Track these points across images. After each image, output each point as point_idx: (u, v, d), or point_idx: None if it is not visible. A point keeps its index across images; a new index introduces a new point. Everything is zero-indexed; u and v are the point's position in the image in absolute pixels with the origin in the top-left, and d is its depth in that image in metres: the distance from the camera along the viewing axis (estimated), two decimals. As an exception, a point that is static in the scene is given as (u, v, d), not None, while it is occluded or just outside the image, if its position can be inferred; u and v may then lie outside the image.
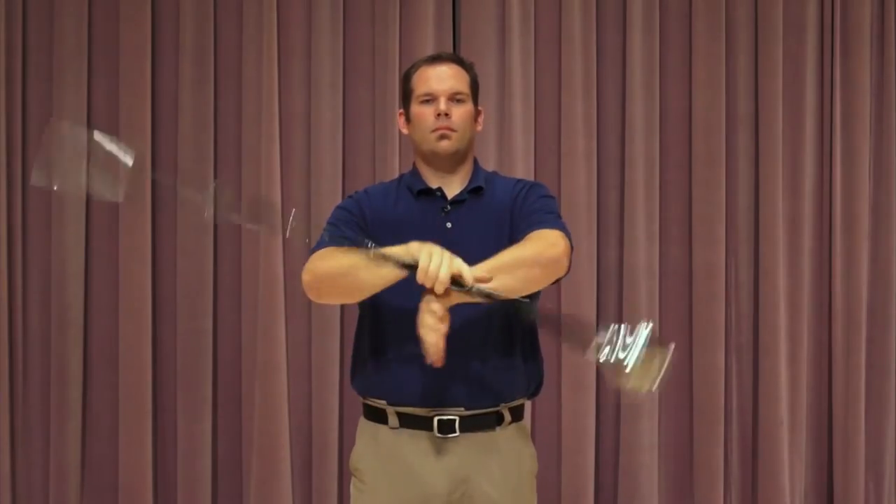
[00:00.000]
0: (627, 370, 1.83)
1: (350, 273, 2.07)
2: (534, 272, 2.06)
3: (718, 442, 3.86)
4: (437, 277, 1.90)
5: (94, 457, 3.84)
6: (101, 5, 3.81)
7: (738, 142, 3.90)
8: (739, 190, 3.91)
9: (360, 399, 2.29)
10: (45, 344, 3.81)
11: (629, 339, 1.84)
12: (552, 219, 2.20)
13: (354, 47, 3.84)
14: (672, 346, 1.84)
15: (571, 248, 2.18)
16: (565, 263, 2.14)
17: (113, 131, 3.75)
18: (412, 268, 1.93)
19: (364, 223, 2.24)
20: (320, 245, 2.19)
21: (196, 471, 3.80)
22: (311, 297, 2.20)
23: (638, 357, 1.83)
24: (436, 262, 1.91)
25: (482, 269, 1.97)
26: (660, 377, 1.83)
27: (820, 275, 3.96)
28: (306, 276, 2.16)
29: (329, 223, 2.27)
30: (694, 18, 3.88)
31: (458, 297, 1.96)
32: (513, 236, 2.19)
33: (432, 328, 1.94)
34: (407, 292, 2.07)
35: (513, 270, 2.02)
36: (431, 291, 1.93)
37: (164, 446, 3.85)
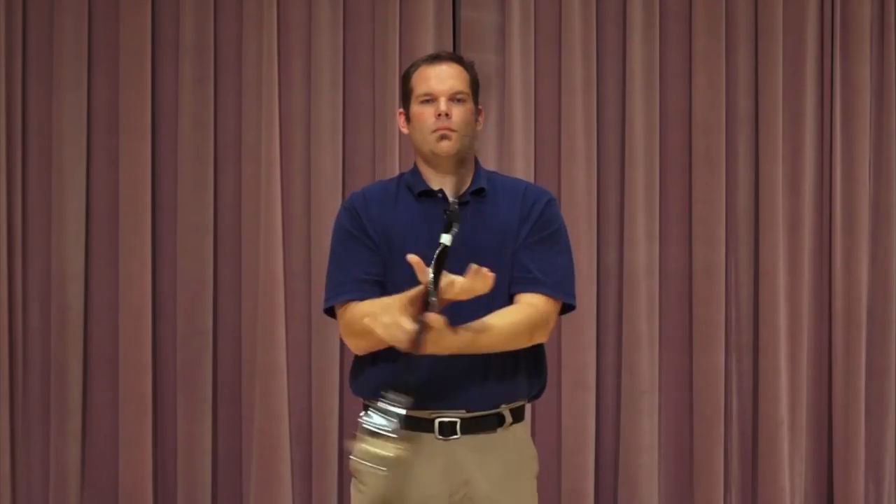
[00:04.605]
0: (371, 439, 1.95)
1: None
2: (519, 341, 2.15)
3: (718, 442, 3.86)
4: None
5: (94, 457, 3.83)
6: (101, 5, 3.81)
7: (738, 142, 3.90)
8: (739, 190, 3.91)
9: (362, 400, 2.28)
10: (45, 344, 3.81)
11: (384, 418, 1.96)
12: (557, 277, 2.20)
13: (354, 46, 3.83)
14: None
15: (573, 306, 2.26)
16: (547, 337, 2.23)
17: (113, 131, 3.79)
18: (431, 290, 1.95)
19: (367, 236, 2.22)
20: (333, 297, 2.21)
21: (196, 471, 3.80)
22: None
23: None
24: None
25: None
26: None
27: (820, 275, 3.96)
28: (351, 344, 2.21)
29: (333, 256, 2.26)
30: (694, 18, 3.88)
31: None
32: (516, 251, 2.19)
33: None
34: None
35: (501, 340, 2.11)
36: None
37: (164, 446, 3.85)
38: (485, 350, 2.11)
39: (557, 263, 2.23)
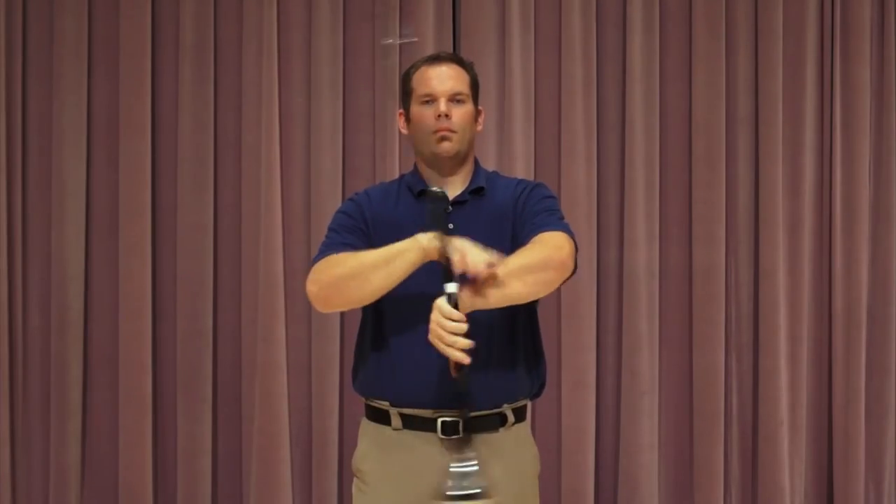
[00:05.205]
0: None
1: (358, 275, 2.09)
2: (542, 276, 2.09)
3: (718, 442, 3.86)
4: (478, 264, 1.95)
5: (94, 457, 3.84)
6: (101, 5, 3.81)
7: (738, 142, 3.90)
8: (739, 190, 3.91)
9: (363, 400, 2.29)
10: (45, 344, 3.81)
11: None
12: (555, 220, 2.21)
13: (354, 46, 3.84)
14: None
15: (576, 247, 2.20)
16: (571, 265, 2.15)
17: (113, 131, 3.79)
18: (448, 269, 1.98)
19: (366, 226, 2.24)
20: (321, 254, 2.19)
21: (196, 471, 3.80)
22: (318, 307, 2.20)
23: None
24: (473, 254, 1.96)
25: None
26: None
27: (820, 275, 3.96)
28: (311, 287, 2.16)
29: (330, 229, 2.27)
30: (694, 19, 3.88)
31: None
32: (515, 237, 2.19)
33: (451, 335, 1.97)
34: (409, 293, 2.08)
35: (523, 276, 2.04)
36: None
37: (164, 446, 3.85)
38: (521, 273, 2.05)
39: (559, 219, 2.23)
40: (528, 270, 2.06)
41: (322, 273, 2.16)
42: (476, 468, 2.04)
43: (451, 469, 2.04)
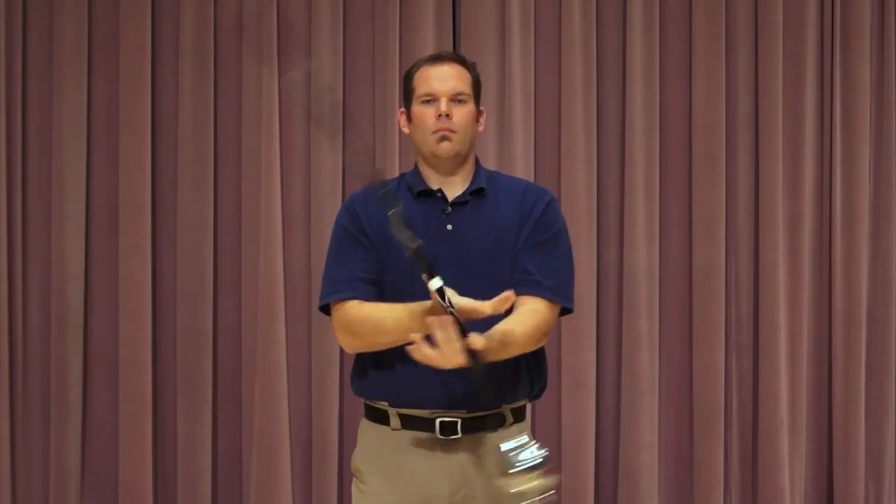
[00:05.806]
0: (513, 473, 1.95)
1: (387, 336, 2.12)
2: (523, 351, 2.16)
3: (718, 442, 3.86)
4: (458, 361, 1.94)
5: (94, 457, 3.84)
6: (101, 5, 3.81)
7: (738, 142, 3.90)
8: (739, 190, 3.91)
9: (363, 400, 2.29)
10: (45, 344, 3.81)
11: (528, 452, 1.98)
12: (557, 280, 2.21)
13: (354, 47, 3.84)
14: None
15: (571, 310, 2.25)
16: (547, 341, 2.22)
17: (113, 131, 3.79)
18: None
19: (364, 236, 2.22)
20: (330, 292, 2.20)
21: (196, 471, 3.80)
22: (350, 353, 2.28)
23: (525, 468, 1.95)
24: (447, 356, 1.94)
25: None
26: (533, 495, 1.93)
27: (820, 275, 3.96)
28: (344, 342, 2.23)
29: (331, 253, 2.26)
30: (694, 19, 3.88)
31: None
32: (515, 254, 2.19)
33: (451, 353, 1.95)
34: (409, 293, 2.07)
35: (516, 350, 2.11)
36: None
37: (164, 446, 3.85)
38: (504, 357, 2.09)
39: (558, 268, 2.23)
40: (524, 345, 2.12)
41: (346, 332, 2.20)
42: (527, 440, 1.99)
43: (503, 448, 1.99)
